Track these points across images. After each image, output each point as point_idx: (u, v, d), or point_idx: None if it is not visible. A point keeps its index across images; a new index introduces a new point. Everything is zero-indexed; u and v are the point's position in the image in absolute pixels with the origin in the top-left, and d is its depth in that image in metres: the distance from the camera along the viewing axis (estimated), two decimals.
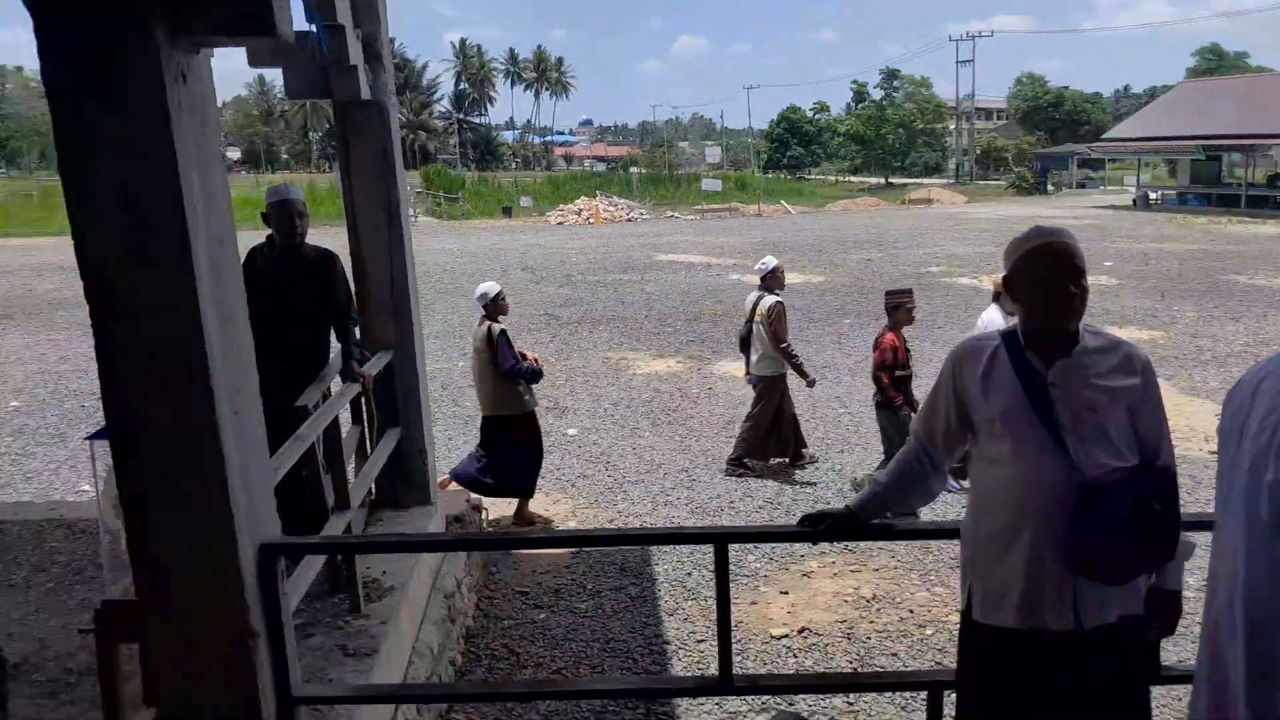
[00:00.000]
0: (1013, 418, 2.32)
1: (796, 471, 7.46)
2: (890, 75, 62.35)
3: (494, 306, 6.43)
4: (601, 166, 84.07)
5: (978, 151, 61.07)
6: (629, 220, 38.45)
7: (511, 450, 6.42)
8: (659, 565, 5.75)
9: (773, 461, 7.62)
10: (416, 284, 5.17)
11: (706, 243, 27.00)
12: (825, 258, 22.23)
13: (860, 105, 63.30)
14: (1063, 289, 2.26)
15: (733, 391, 10.01)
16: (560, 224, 37.32)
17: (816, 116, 70.79)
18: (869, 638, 4.91)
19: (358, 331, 4.67)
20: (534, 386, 6.52)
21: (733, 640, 4.90)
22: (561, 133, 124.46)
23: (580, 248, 26.22)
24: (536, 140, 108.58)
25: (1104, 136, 43.82)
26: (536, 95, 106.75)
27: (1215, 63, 68.25)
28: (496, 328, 6.34)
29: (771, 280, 7.49)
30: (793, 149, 69.21)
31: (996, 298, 6.77)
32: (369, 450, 4.80)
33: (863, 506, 2.61)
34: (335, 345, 4.59)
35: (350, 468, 4.35)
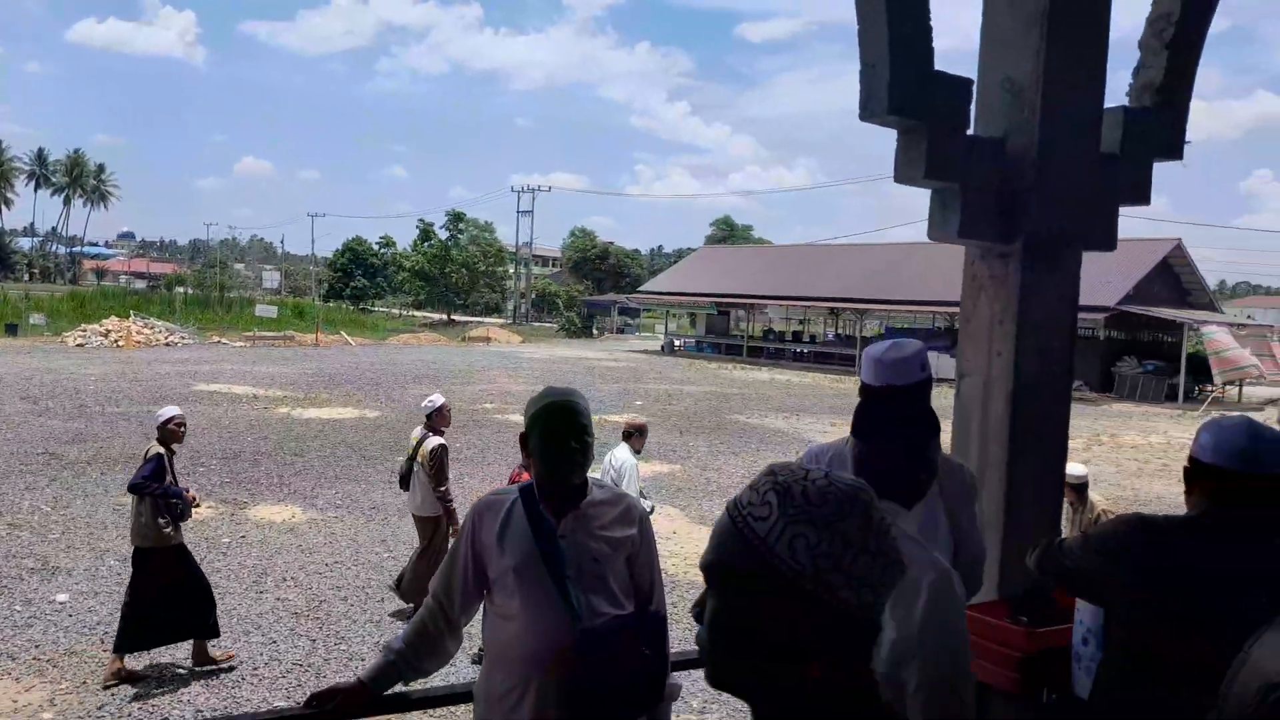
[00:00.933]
0: (524, 571, 2.37)
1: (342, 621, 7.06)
2: (456, 217, 64.93)
3: (164, 431, 6.30)
4: (142, 284, 76.31)
5: (534, 295, 65.33)
6: (167, 345, 35.02)
7: (165, 589, 5.98)
8: None
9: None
10: None
11: (256, 372, 25.40)
12: (382, 391, 21.99)
13: (426, 243, 64.92)
14: (567, 444, 2.39)
15: (270, 539, 9.30)
16: (80, 346, 32.88)
17: (383, 250, 71.18)
18: None
19: None
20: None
21: None
22: (95, 244, 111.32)
23: (102, 374, 23.22)
24: (62, 250, 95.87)
25: (639, 289, 49.37)
26: (67, 201, 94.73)
27: (728, 232, 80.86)
28: (154, 449, 6.21)
29: (437, 419, 7.41)
30: (357, 279, 68.57)
31: (627, 437, 7.44)
32: None
33: (375, 677, 2.48)
34: None
35: None
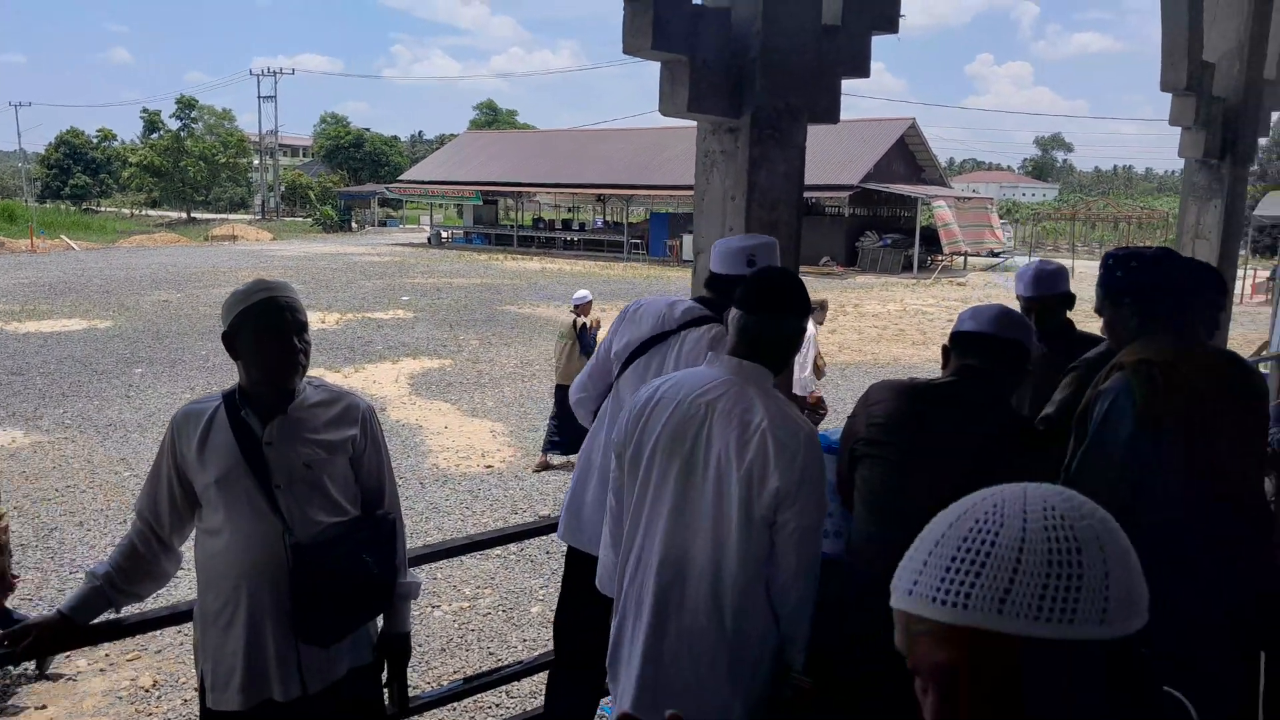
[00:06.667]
0: (228, 483, 2.20)
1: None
2: (187, 105, 58.77)
3: (583, 308, 8.89)
4: None
5: (283, 187, 60.93)
6: None
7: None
8: None
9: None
10: None
11: None
12: (114, 299, 20.01)
13: (154, 134, 58.52)
14: (288, 344, 2.19)
15: None
16: None
17: (103, 144, 63.59)
18: None
19: None
20: None
21: None
22: None
23: None
24: None
25: (400, 178, 47.20)
26: None
27: (492, 117, 78.37)
28: (580, 320, 8.80)
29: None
30: (77, 177, 61.15)
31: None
32: None
33: (79, 607, 2.26)
34: None
35: None
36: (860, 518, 2.34)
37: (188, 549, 2.37)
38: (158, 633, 5.29)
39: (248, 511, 2.20)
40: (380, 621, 2.49)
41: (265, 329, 2.19)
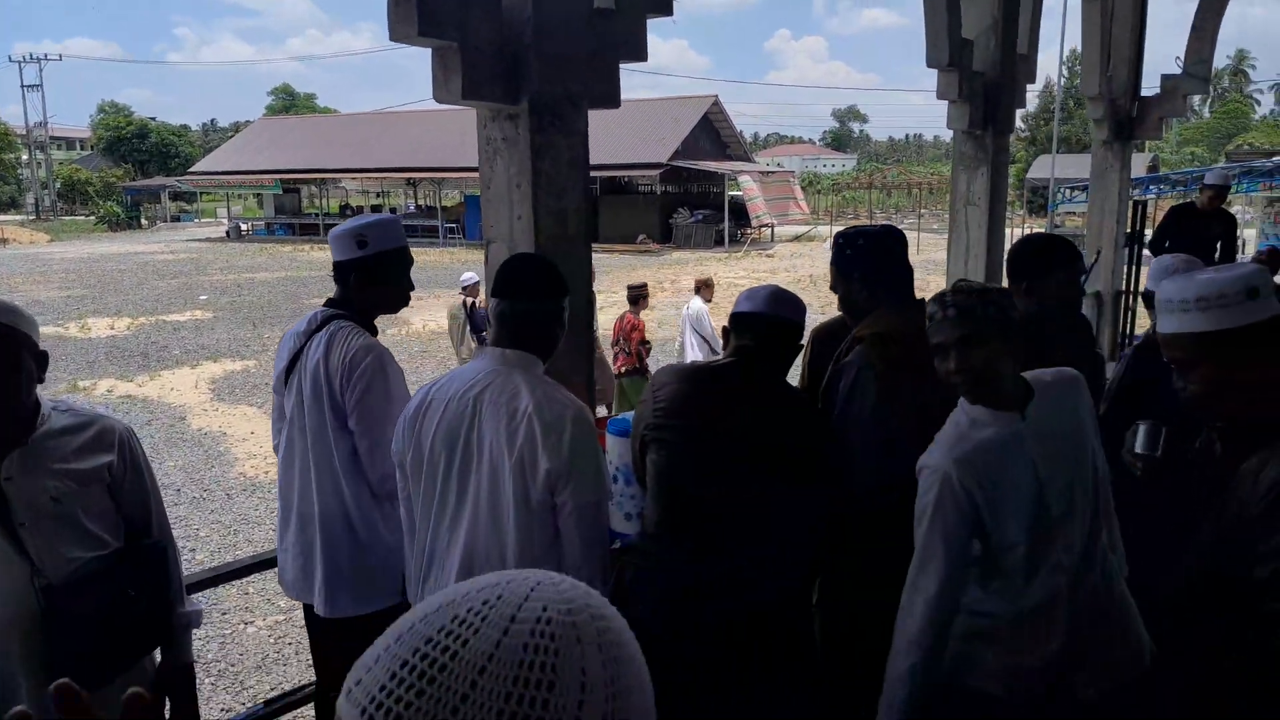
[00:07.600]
0: None
1: None
2: None
3: (472, 289, 8.90)
4: None
5: (59, 184, 55.90)
6: None
7: None
8: None
9: None
10: None
11: None
12: None
13: None
14: None
15: None
16: None
17: None
18: None
19: None
20: None
21: None
22: None
23: None
24: None
25: (192, 170, 44.25)
26: None
27: (289, 102, 74.70)
28: (469, 300, 8.90)
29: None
30: None
31: (698, 290, 9.38)
32: None
33: None
34: None
35: None
36: (649, 501, 2.39)
37: None
38: None
39: None
40: (159, 655, 2.33)
41: None
